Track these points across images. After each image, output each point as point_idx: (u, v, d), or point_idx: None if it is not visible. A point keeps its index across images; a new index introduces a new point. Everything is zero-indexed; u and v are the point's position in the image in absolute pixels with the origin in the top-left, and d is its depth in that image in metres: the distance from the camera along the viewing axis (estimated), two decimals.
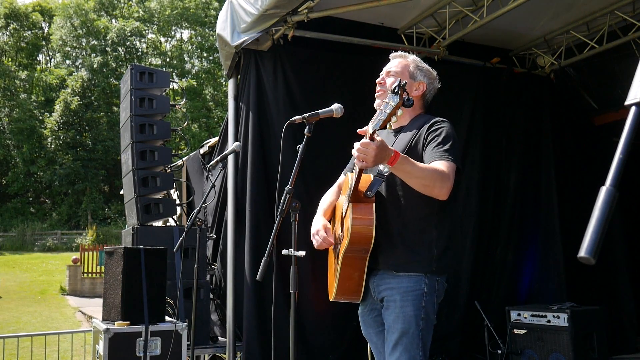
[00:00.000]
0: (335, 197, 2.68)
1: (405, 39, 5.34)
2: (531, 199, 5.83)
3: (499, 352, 4.70)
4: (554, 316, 4.56)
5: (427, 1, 4.90)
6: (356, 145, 2.07)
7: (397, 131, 2.52)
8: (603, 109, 6.34)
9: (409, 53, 2.65)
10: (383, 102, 2.02)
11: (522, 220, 5.75)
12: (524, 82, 5.96)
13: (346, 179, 2.50)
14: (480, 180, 5.57)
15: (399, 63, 2.57)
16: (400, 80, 1.99)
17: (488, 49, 5.73)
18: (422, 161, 2.30)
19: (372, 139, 2.03)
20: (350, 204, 2.29)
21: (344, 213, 2.39)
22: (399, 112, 1.99)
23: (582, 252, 0.82)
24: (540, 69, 6.10)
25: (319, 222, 2.51)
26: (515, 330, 4.76)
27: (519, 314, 4.79)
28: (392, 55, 2.65)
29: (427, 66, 2.61)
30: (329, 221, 2.58)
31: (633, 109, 0.87)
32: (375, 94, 2.53)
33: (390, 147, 2.30)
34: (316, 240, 2.45)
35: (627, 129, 0.86)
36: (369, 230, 2.26)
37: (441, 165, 2.25)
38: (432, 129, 2.38)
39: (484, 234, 5.55)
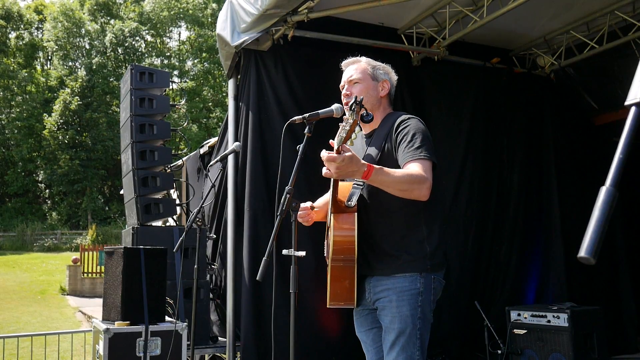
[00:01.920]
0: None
1: (405, 39, 5.34)
2: (533, 198, 5.83)
3: (499, 352, 4.70)
4: (554, 316, 4.56)
5: (427, 1, 4.90)
6: (323, 156, 2.08)
7: (370, 135, 2.52)
8: (603, 109, 6.34)
9: (360, 56, 2.62)
10: (344, 119, 2.04)
11: (526, 220, 5.75)
12: (524, 82, 5.96)
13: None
14: (482, 181, 5.57)
15: (357, 68, 2.53)
16: (356, 97, 2.03)
17: (488, 49, 5.73)
18: (396, 164, 2.30)
19: (338, 152, 2.06)
20: (333, 215, 2.33)
21: (328, 224, 2.41)
22: (357, 130, 2.04)
23: (582, 252, 0.82)
24: (540, 69, 6.10)
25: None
26: (515, 330, 4.76)
27: (519, 314, 4.79)
28: (344, 63, 2.61)
29: (380, 62, 2.60)
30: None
31: (633, 109, 0.87)
32: (345, 107, 2.47)
33: (365, 151, 2.34)
34: (303, 220, 2.46)
35: (627, 129, 0.86)
36: (350, 240, 2.29)
37: (416, 166, 2.23)
38: (400, 129, 2.37)
39: (486, 234, 5.55)
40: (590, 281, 5.64)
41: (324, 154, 2.08)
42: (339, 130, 2.05)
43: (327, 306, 2.46)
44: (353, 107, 2.03)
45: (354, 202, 2.34)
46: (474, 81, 5.68)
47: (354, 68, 2.54)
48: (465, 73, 5.66)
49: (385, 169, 2.19)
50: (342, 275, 2.37)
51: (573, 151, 6.04)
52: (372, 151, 2.44)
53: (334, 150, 2.07)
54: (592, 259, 0.82)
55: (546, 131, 5.94)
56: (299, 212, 2.44)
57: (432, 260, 2.34)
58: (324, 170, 2.14)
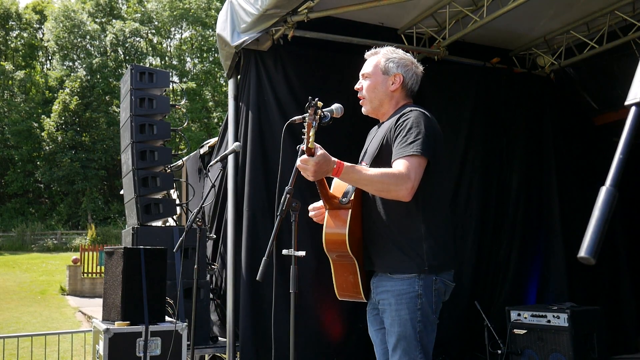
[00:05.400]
0: None
1: (405, 39, 5.34)
2: (533, 198, 5.83)
3: (499, 352, 4.69)
4: (554, 316, 4.56)
5: (427, 1, 4.90)
6: (298, 160, 2.14)
7: (381, 125, 2.51)
8: (603, 109, 6.33)
9: (382, 47, 2.59)
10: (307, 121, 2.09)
11: (525, 220, 5.74)
12: (524, 82, 5.96)
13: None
14: (481, 181, 5.56)
15: (370, 62, 2.53)
16: (310, 99, 2.06)
17: (488, 49, 5.73)
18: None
19: (311, 154, 2.10)
20: (327, 211, 2.35)
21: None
22: (312, 132, 2.07)
23: (582, 252, 0.82)
24: (540, 69, 6.09)
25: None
26: (515, 330, 4.76)
27: (519, 314, 4.79)
28: (367, 54, 2.59)
29: (401, 53, 2.54)
30: None
31: (633, 109, 0.87)
32: (360, 102, 2.51)
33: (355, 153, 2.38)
34: (319, 219, 2.47)
35: (627, 129, 0.86)
36: (340, 236, 2.28)
37: (399, 164, 2.18)
38: (398, 123, 2.30)
39: (486, 234, 5.54)
40: (591, 281, 5.64)
41: (300, 159, 2.12)
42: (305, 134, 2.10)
43: (339, 298, 2.47)
44: (308, 108, 2.06)
45: (348, 199, 2.32)
46: (474, 81, 5.68)
47: (368, 61, 2.55)
48: (465, 73, 5.66)
49: (358, 167, 2.19)
50: (345, 269, 2.37)
51: (573, 151, 6.04)
52: (373, 146, 2.42)
53: (305, 152, 2.10)
54: (592, 259, 0.82)
55: (546, 131, 5.93)
56: (314, 213, 2.47)
57: (431, 260, 2.25)
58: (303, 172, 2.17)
